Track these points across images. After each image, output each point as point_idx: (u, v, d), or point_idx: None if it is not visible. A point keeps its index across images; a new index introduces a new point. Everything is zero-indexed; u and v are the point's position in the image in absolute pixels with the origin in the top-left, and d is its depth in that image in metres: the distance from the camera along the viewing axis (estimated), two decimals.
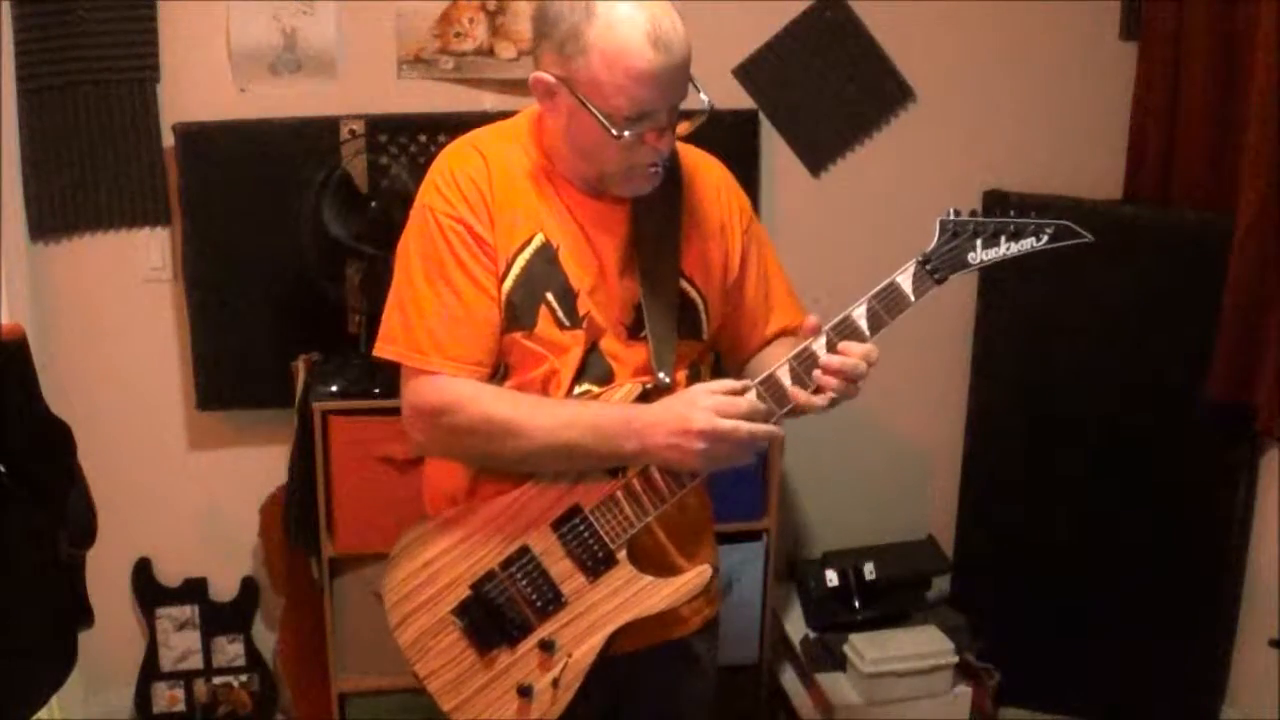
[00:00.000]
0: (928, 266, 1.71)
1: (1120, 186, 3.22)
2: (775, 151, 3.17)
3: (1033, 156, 3.21)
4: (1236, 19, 2.86)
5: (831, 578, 3.09)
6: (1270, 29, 2.68)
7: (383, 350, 1.80)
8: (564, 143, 1.76)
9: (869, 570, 3.07)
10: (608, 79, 1.65)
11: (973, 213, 1.73)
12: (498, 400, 1.76)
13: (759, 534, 3.00)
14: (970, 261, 1.72)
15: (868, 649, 2.96)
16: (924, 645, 3.00)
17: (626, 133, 1.68)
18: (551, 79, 1.70)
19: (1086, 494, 3.16)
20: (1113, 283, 3.06)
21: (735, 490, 2.90)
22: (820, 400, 1.72)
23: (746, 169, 3.06)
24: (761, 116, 3.13)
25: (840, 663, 3.03)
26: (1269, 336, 2.76)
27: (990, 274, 3.13)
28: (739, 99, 3.11)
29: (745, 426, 1.69)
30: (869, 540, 3.20)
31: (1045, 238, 1.71)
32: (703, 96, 1.74)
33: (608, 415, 1.74)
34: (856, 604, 3.07)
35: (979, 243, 1.72)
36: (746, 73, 3.10)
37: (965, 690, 3.03)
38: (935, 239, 1.72)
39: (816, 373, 1.71)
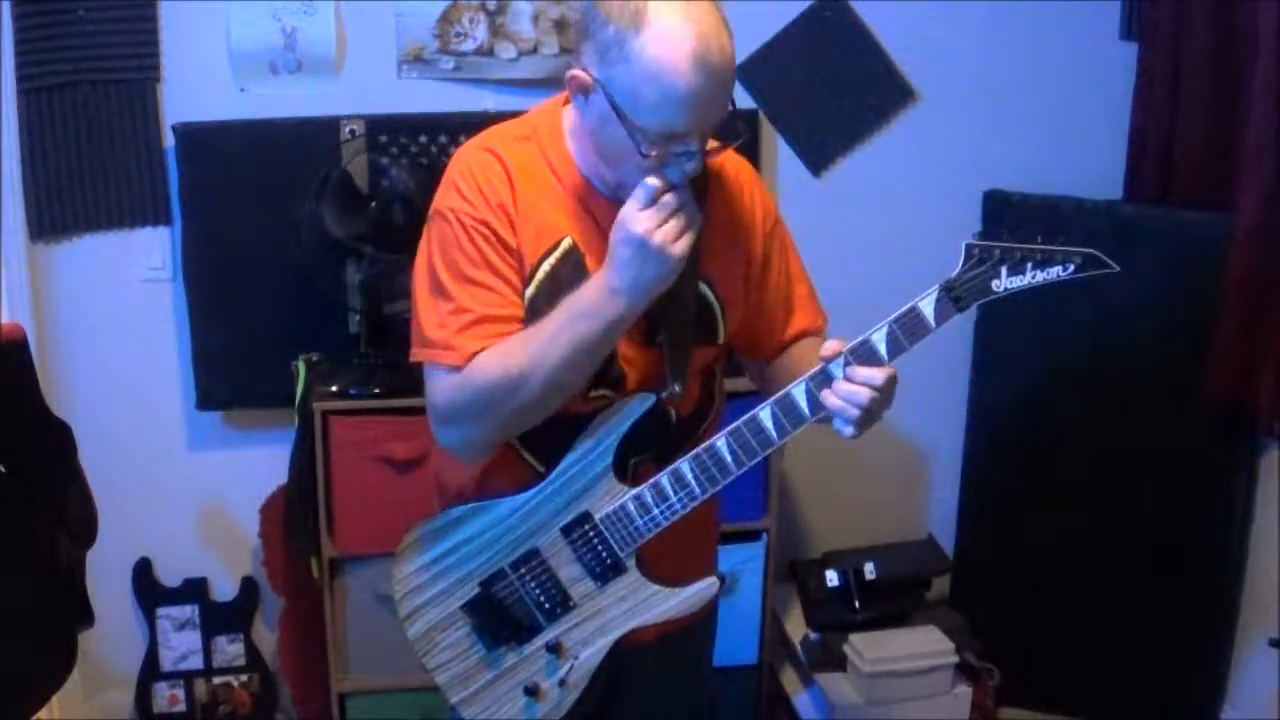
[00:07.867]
0: (952, 294, 1.66)
1: (1120, 186, 3.22)
2: (775, 151, 3.17)
3: (1033, 156, 3.20)
4: (1236, 19, 2.86)
5: (831, 578, 3.09)
6: (1270, 29, 2.68)
7: (415, 354, 1.77)
8: (591, 143, 1.72)
9: (869, 570, 3.07)
10: (643, 94, 1.61)
11: (1000, 237, 1.67)
12: (490, 362, 1.70)
13: (759, 534, 2.99)
14: (995, 289, 1.66)
15: (868, 649, 2.96)
16: (924, 645, 3.00)
17: (654, 152, 1.63)
18: (590, 79, 1.65)
19: (1086, 494, 3.15)
20: (1113, 283, 3.05)
21: (735, 490, 2.88)
22: (846, 425, 1.68)
23: None
24: (762, 116, 3.12)
25: (840, 663, 3.03)
26: (1269, 336, 2.76)
27: None
28: (739, 99, 3.09)
29: (671, 194, 1.63)
30: (869, 540, 3.20)
31: (1072, 267, 1.67)
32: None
33: (579, 299, 1.68)
34: (856, 604, 3.07)
35: (1004, 270, 1.66)
36: (746, 73, 3.10)
37: (965, 690, 3.03)
38: (960, 264, 1.66)
39: (825, 392, 1.67)
